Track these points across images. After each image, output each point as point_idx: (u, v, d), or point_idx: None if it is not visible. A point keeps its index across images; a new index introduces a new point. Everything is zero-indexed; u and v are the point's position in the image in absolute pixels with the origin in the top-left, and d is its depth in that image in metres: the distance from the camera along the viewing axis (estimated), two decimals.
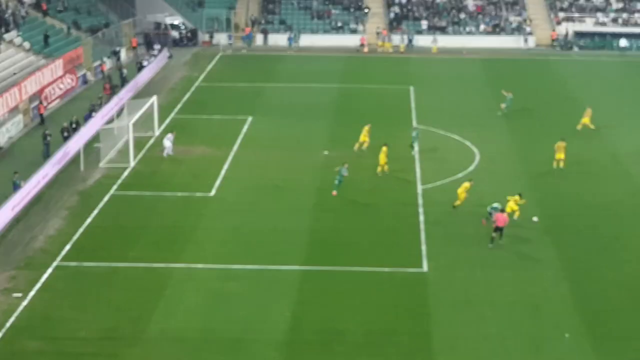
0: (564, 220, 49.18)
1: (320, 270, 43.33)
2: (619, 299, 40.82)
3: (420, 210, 50.51)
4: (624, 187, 54.31)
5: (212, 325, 38.04)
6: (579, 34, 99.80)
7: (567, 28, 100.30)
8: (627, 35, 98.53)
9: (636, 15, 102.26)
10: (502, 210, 46.45)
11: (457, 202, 50.21)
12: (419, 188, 53.81)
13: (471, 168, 57.51)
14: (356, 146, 59.82)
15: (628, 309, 39.90)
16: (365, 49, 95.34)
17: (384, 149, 55.69)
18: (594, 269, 43.82)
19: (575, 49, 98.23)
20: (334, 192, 51.91)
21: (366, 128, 60.48)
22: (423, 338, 37.28)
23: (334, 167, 53.48)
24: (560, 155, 56.71)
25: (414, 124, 66.09)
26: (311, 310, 39.38)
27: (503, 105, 69.64)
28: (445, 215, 49.91)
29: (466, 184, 50.38)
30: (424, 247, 45.64)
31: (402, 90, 77.36)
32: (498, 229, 45.74)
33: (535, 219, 49.49)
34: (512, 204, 48.42)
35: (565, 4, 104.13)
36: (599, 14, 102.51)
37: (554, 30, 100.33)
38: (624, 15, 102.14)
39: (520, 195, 49.04)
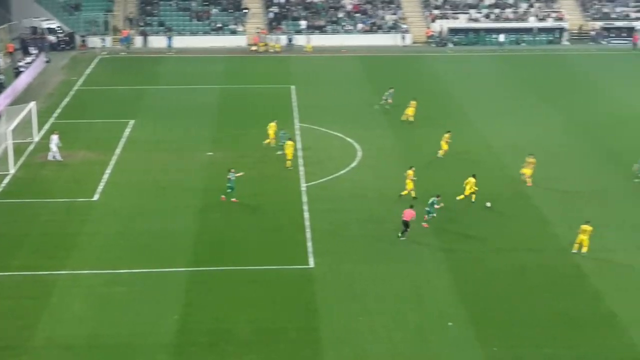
0: (445, 212, 50.35)
1: (208, 270, 43.44)
2: (501, 287, 42.13)
3: (305, 208, 51.06)
4: (500, 178, 55.91)
5: (100, 331, 37.77)
6: (453, 31, 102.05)
7: (442, 25, 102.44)
8: (501, 31, 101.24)
9: (507, 10, 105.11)
10: (411, 206, 47.55)
11: (405, 192, 51.84)
12: (303, 186, 54.36)
13: (354, 164, 58.38)
14: (266, 142, 60.75)
15: (509, 296, 41.23)
16: (254, 48, 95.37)
17: (290, 143, 57.44)
18: (475, 258, 45.07)
19: (450, 45, 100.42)
20: (234, 199, 51.64)
21: (272, 125, 61.44)
22: (311, 333, 37.82)
23: (220, 170, 53.62)
24: (445, 146, 59.38)
25: (297, 123, 66.66)
26: (199, 312, 39.48)
27: (384, 99, 71.02)
28: (330, 212, 50.58)
29: (409, 172, 52.11)
30: (309, 244, 46.19)
31: (283, 90, 77.84)
32: (405, 224, 46.78)
33: (488, 204, 51.31)
34: (469, 188, 51.08)
35: (439, 2, 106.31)
36: (472, 11, 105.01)
37: (428, 27, 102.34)
38: (496, 11, 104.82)
39: (474, 175, 51.54)
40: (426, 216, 48.46)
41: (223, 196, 51.59)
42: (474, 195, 51.50)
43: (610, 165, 57.86)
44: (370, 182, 55.05)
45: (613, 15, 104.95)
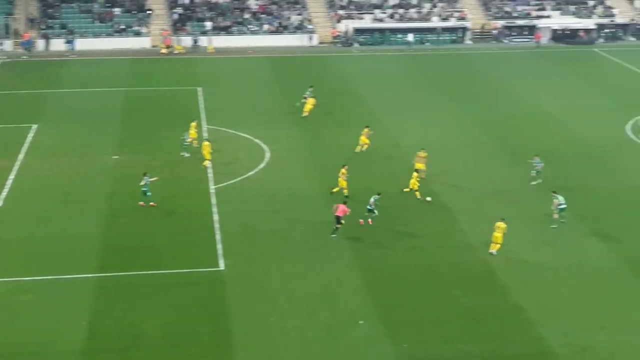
0: (355, 211, 50.58)
1: (117, 276, 42.90)
2: (410, 284, 42.57)
3: (215, 209, 50.82)
4: (408, 176, 56.30)
5: (5, 340, 37.01)
6: (359, 31, 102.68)
7: (347, 25, 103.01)
8: (405, 30, 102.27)
9: (411, 10, 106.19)
10: (344, 202, 48.02)
11: (336, 189, 52.26)
12: (212, 188, 54.09)
13: (262, 165, 58.32)
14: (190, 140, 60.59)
15: (419, 293, 41.71)
16: (165, 50, 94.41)
17: (206, 143, 57.63)
18: (385, 256, 45.43)
19: (356, 45, 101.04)
20: (152, 203, 51.03)
21: (193, 124, 61.78)
22: (223, 335, 37.69)
23: (127, 173, 53.06)
24: (366, 140, 60.63)
25: (204, 125, 66.22)
26: (109, 318, 38.97)
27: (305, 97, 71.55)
28: (239, 213, 50.45)
29: (343, 170, 52.60)
30: (219, 246, 46.00)
31: (190, 92, 77.29)
32: (338, 219, 47.09)
33: (428, 198, 52.16)
34: (414, 182, 52.20)
35: (344, 2, 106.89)
36: (377, 11, 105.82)
37: (334, 27, 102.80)
38: (400, 11, 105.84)
39: (417, 170, 52.47)
40: (370, 220, 48.86)
41: (141, 202, 50.92)
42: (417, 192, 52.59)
43: (514, 163, 58.87)
44: (279, 183, 55.07)
45: (514, 14, 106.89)
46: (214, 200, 52.32)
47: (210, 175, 56.20)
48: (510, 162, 59.49)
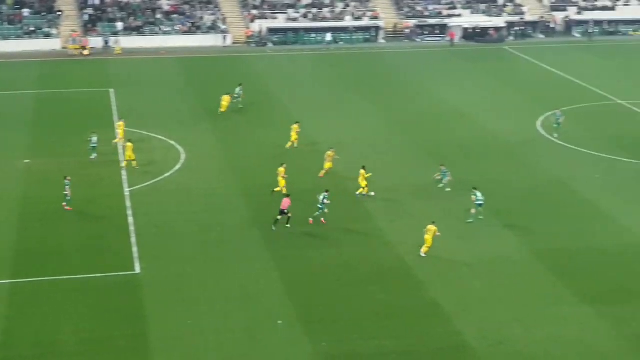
0: (271, 211, 50.60)
1: (30, 282, 42.14)
2: (327, 282, 42.71)
3: (130, 213, 50.28)
4: (325, 174, 56.54)
5: None
6: (273, 30, 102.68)
7: (261, 25, 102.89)
8: (319, 30, 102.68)
9: (325, 10, 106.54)
10: (287, 196, 48.61)
11: (278, 189, 52.41)
12: (127, 191, 53.52)
13: (178, 167, 57.90)
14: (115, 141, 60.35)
15: (336, 291, 41.86)
16: (86, 52, 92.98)
17: (129, 145, 56.79)
18: (301, 255, 45.50)
19: (270, 45, 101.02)
20: (68, 208, 50.28)
21: (120, 124, 61.81)
22: (139, 340, 37.30)
23: (40, 177, 52.14)
24: (295, 136, 61.18)
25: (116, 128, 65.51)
26: (22, 324, 38.27)
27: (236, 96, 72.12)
28: (155, 215, 50.04)
29: (281, 169, 52.73)
30: (135, 249, 45.54)
31: (102, 93, 76.32)
32: (282, 212, 47.72)
33: (372, 193, 52.71)
34: (361, 180, 52.39)
35: (258, 2, 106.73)
36: (290, 11, 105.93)
37: (248, 27, 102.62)
38: (314, 10, 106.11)
39: (364, 167, 52.82)
40: (323, 219, 49.02)
41: (67, 206, 50.15)
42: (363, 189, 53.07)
43: (429, 160, 59.44)
44: (195, 184, 54.77)
45: (426, 13, 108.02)
46: (128, 203, 51.77)
47: (125, 177, 55.59)
48: (425, 159, 60.09)
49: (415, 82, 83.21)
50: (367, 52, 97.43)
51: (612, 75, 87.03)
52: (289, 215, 48.28)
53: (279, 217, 48.08)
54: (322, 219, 49.15)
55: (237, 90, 72.18)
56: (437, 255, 45.44)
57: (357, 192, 52.90)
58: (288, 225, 48.21)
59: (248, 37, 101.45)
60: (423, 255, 45.13)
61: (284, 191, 51.96)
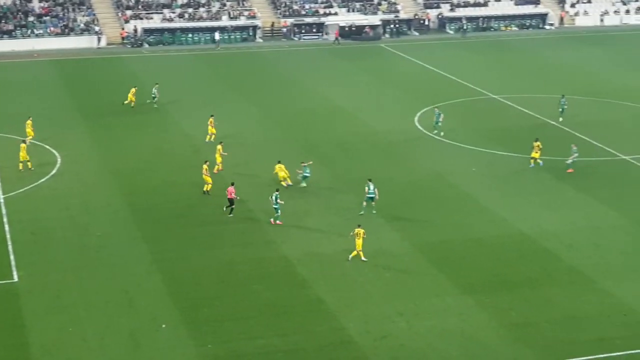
0: (152, 213, 50.05)
1: None
2: (210, 283, 42.43)
3: (5, 220, 48.99)
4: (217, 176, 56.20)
5: None
6: (148, 31, 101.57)
7: (136, 25, 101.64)
8: (197, 30, 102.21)
9: (201, 10, 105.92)
10: (232, 184, 50.31)
11: (207, 187, 52.79)
12: (1, 198, 52.13)
13: (53, 172, 56.69)
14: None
15: (219, 292, 41.63)
16: None
17: (23, 146, 56.46)
18: (183, 257, 45.08)
19: (146, 45, 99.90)
20: None
21: (29, 123, 61.62)
22: (20, 350, 36.36)
23: None
24: (213, 130, 62.46)
25: None
26: None
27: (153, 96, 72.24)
28: (32, 222, 48.89)
29: (204, 166, 53.16)
30: (12, 257, 44.39)
31: None
32: (230, 201, 48.92)
33: (303, 184, 53.71)
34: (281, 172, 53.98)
35: (132, 2, 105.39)
36: (166, 11, 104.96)
37: (123, 28, 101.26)
38: (190, 10, 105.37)
39: (279, 161, 53.72)
40: (279, 220, 48.92)
41: None
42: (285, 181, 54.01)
43: (310, 157, 59.61)
44: (72, 189, 53.72)
45: (303, 12, 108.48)
46: (4, 210, 50.44)
47: None
48: (305, 156, 60.20)
49: (294, 80, 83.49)
50: (245, 52, 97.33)
51: (485, 70, 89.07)
52: (232, 203, 49.37)
53: (230, 207, 49.38)
54: (279, 221, 48.88)
55: (154, 90, 71.55)
56: (320, 252, 45.65)
57: (283, 183, 54.03)
58: (230, 215, 49.28)
59: (123, 38, 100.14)
60: (364, 259, 44.54)
61: (207, 187, 52.54)
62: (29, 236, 47.17)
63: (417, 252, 45.99)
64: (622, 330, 38.50)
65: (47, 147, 61.31)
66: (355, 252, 44.69)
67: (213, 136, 61.72)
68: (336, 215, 50.49)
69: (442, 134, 64.96)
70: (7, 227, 48.01)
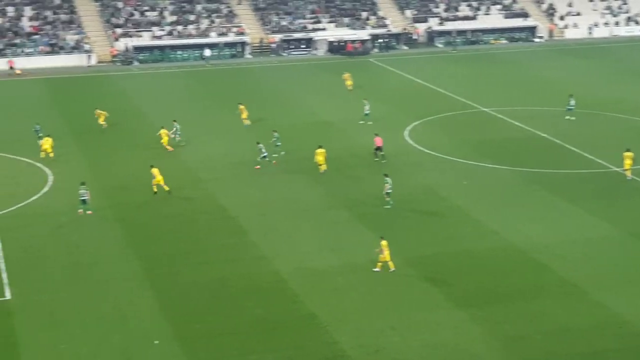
0: (143, 230, 50.03)
1: None
2: (203, 299, 42.36)
3: None
4: (194, 190, 56.16)
5: None
6: (138, 49, 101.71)
7: (126, 43, 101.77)
8: (186, 47, 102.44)
9: (190, 27, 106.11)
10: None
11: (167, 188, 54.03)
12: None
13: (45, 189, 56.66)
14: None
15: (212, 308, 41.56)
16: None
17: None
18: (175, 273, 45.03)
19: (136, 63, 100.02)
20: None
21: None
22: None
23: None
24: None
25: None
26: None
27: None
28: (24, 240, 48.85)
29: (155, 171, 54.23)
30: (4, 275, 44.31)
31: None
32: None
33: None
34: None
35: (121, 20, 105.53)
36: (155, 28, 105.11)
37: (112, 46, 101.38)
38: (179, 28, 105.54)
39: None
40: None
41: None
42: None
43: (300, 173, 59.62)
44: (64, 206, 53.64)
45: (292, 28, 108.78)
46: None
47: None
48: (294, 172, 60.29)
49: (283, 95, 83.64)
50: (234, 68, 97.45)
51: (475, 83, 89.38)
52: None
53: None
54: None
55: (175, 125, 69.33)
56: (312, 267, 45.63)
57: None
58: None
59: (113, 56, 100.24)
60: (393, 269, 44.68)
61: (165, 188, 53.59)
62: (21, 254, 47.10)
63: (409, 266, 45.96)
64: (616, 343, 38.50)
65: (39, 164, 61.25)
66: (380, 264, 44.72)
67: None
68: (325, 230, 50.51)
69: (369, 123, 66.15)
70: None
